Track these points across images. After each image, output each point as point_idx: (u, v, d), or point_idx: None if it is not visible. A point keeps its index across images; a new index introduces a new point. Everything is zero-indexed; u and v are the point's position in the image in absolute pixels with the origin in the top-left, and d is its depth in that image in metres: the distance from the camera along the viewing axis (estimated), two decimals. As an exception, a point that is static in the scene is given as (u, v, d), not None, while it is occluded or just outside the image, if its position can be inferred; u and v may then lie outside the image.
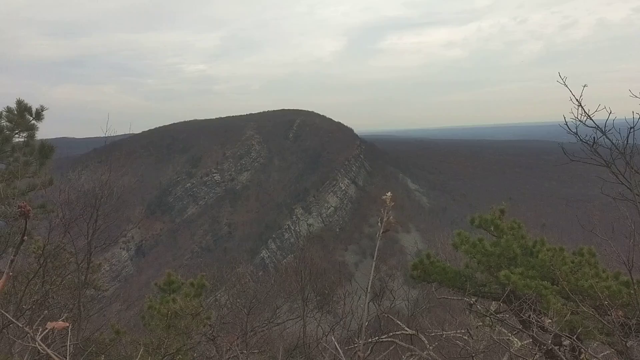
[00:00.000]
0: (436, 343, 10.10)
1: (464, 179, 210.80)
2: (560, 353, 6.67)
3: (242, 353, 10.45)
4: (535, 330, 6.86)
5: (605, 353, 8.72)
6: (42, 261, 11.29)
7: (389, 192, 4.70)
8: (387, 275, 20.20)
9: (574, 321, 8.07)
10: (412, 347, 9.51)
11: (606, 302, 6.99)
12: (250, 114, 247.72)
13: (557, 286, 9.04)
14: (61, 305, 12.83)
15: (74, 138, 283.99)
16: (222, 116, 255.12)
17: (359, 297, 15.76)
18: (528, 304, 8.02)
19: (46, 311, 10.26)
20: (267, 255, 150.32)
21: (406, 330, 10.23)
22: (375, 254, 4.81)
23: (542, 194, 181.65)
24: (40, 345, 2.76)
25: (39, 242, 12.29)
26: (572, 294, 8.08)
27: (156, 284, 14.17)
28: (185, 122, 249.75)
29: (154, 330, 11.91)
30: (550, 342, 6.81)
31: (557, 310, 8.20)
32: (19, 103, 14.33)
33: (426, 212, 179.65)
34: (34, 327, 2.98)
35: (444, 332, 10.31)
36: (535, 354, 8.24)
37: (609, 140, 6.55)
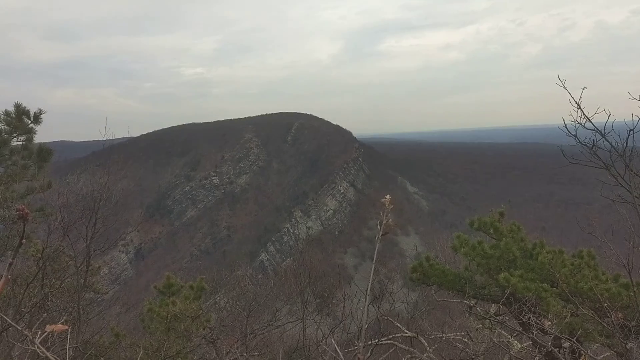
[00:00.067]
0: (436, 345, 10.09)
1: (463, 182, 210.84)
2: (560, 355, 6.67)
3: (242, 356, 10.44)
4: (535, 332, 6.84)
5: (605, 355, 8.72)
6: (41, 264, 11.25)
7: (388, 195, 4.68)
8: (387, 278, 20.19)
9: (574, 323, 8.07)
10: (411, 349, 9.51)
11: (606, 305, 7.00)
12: (249, 117, 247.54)
13: (557, 288, 9.04)
14: (60, 308, 12.79)
15: (72, 141, 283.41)
16: (221, 119, 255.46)
17: (359, 300, 15.77)
18: (528, 306, 8.02)
19: (45, 314, 10.24)
20: (266, 258, 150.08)
21: (406, 333, 10.22)
22: (375, 256, 4.80)
23: (542, 197, 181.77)
24: (39, 348, 2.76)
25: (38, 245, 12.24)
26: (572, 296, 8.09)
27: (155, 286, 14.17)
28: (183, 125, 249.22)
29: (154, 333, 11.90)
30: (550, 345, 6.79)
31: (557, 313, 8.19)
32: (17, 106, 14.35)
33: (425, 214, 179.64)
34: (33, 330, 2.98)
35: (444, 335, 10.30)
36: (535, 356, 8.24)
37: (609, 142, 6.55)
